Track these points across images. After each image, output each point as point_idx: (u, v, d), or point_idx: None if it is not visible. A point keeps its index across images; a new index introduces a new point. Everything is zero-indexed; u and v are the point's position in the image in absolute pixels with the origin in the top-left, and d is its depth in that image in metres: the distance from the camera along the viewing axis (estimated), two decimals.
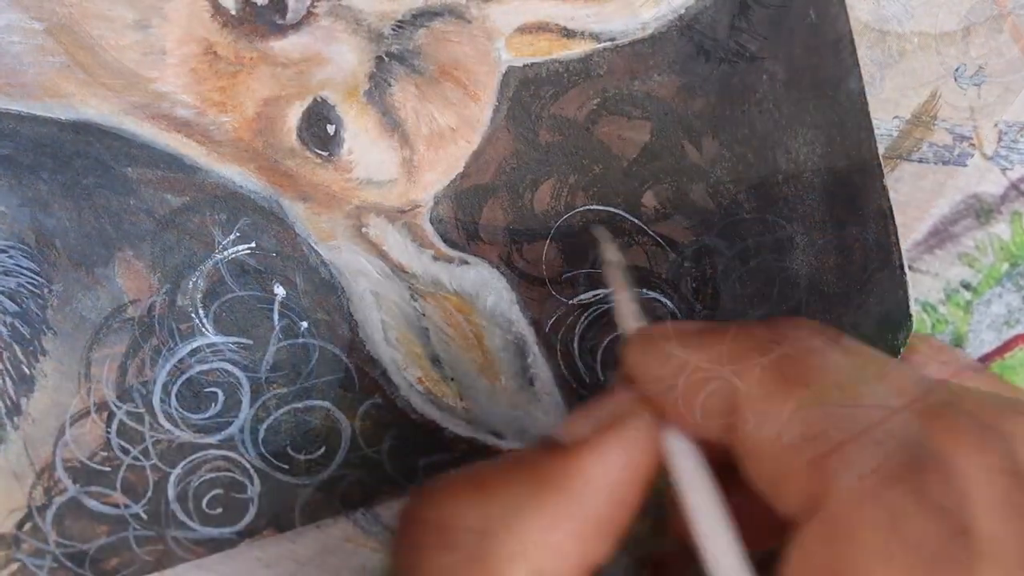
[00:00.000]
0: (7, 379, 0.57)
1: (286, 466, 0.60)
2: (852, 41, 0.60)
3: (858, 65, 0.60)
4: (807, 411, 0.39)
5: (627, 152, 0.60)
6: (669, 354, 0.44)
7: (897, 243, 0.61)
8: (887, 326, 0.62)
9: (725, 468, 0.43)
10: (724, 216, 0.61)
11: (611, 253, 0.57)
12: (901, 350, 0.62)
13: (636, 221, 0.60)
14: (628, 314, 0.50)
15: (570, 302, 0.60)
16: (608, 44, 0.59)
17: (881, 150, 0.61)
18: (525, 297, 0.60)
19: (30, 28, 0.55)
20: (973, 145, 0.64)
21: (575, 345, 0.61)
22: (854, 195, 0.61)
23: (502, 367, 0.60)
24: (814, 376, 0.41)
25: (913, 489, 0.37)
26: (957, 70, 0.63)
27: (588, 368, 0.61)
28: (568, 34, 0.58)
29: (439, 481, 0.44)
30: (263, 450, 0.59)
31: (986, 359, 0.66)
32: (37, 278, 0.57)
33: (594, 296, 0.61)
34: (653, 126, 0.60)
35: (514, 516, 0.42)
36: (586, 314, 0.61)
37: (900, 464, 0.37)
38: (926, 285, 0.65)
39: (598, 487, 0.42)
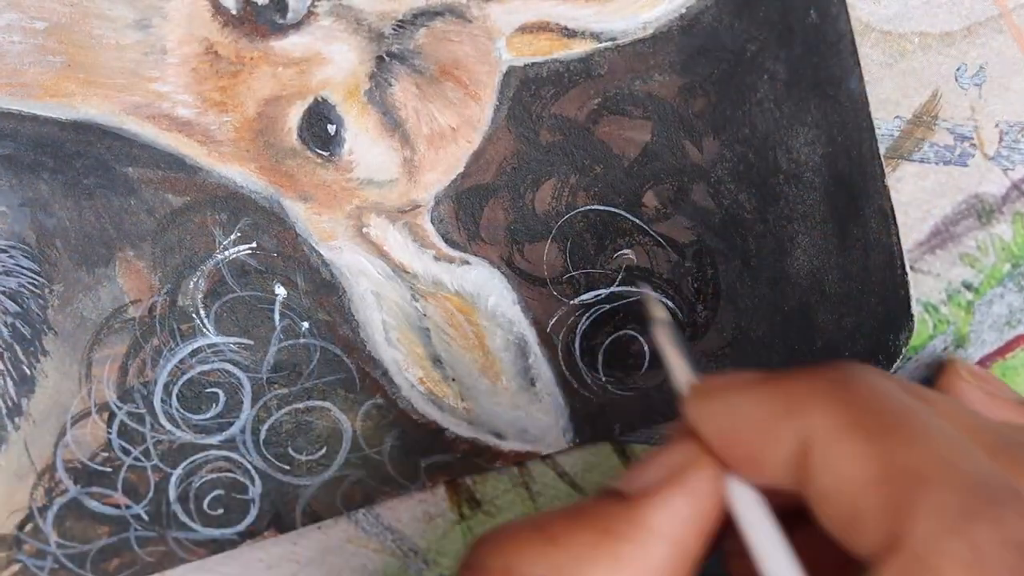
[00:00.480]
0: (8, 379, 0.57)
1: (287, 467, 0.59)
2: (853, 41, 0.60)
3: (859, 65, 0.60)
4: (881, 451, 0.39)
5: (628, 152, 0.60)
6: (732, 405, 0.44)
7: (898, 243, 0.61)
8: (888, 326, 0.62)
9: (792, 515, 0.43)
10: (725, 216, 0.61)
11: (658, 311, 0.56)
12: (903, 350, 0.63)
13: (637, 221, 0.60)
14: (681, 370, 0.50)
15: (571, 302, 0.60)
16: (609, 44, 0.59)
17: (882, 150, 0.61)
18: (526, 297, 0.60)
19: (31, 28, 0.55)
20: (974, 145, 0.64)
21: (576, 345, 0.61)
22: (855, 195, 0.61)
23: (503, 367, 0.60)
24: (886, 416, 0.41)
25: (994, 525, 0.37)
26: (958, 70, 0.63)
27: (589, 368, 0.61)
28: (569, 34, 0.59)
29: (501, 528, 0.44)
30: (264, 451, 0.59)
31: (987, 360, 0.66)
32: (38, 278, 0.57)
33: (595, 296, 0.61)
34: (654, 126, 0.60)
35: (581, 565, 0.42)
36: (587, 314, 0.61)
37: (976, 500, 0.37)
38: (928, 285, 0.65)
39: (663, 540, 0.42)
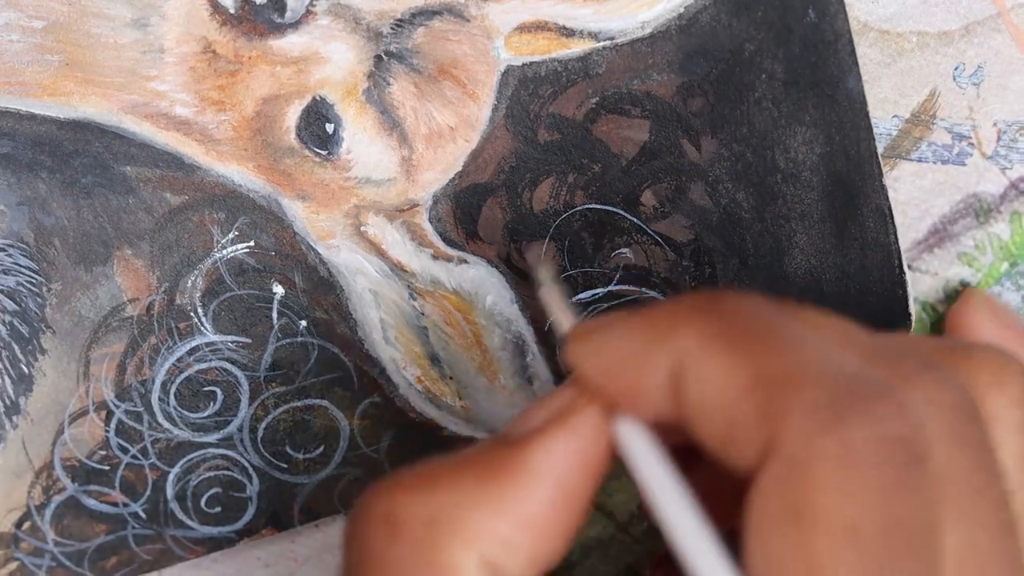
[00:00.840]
0: (6, 378, 0.57)
1: (285, 465, 0.60)
2: (851, 40, 0.60)
3: (857, 64, 0.60)
4: (749, 361, 0.39)
5: (626, 151, 0.60)
6: (607, 340, 0.44)
7: (896, 242, 0.61)
8: (886, 326, 0.62)
9: (687, 453, 0.44)
10: (723, 215, 0.61)
11: (543, 273, 0.57)
12: None
13: (635, 220, 0.60)
14: (563, 314, 0.50)
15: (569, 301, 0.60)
16: (607, 43, 0.59)
17: (880, 149, 0.61)
18: (524, 296, 0.60)
19: (29, 27, 0.55)
20: (972, 144, 0.64)
21: None
22: (853, 194, 0.61)
23: (501, 366, 0.60)
24: (754, 328, 0.41)
25: (865, 420, 0.37)
26: (956, 69, 0.63)
27: None
28: (567, 33, 0.59)
29: (389, 476, 0.44)
30: (262, 449, 0.59)
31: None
32: (36, 277, 0.57)
33: (593, 295, 0.61)
34: (652, 125, 0.60)
35: (462, 506, 0.42)
36: (585, 313, 0.61)
37: (848, 398, 0.37)
38: (925, 284, 0.65)
39: (546, 479, 0.42)
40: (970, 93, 0.63)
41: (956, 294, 0.64)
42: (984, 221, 0.64)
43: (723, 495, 0.42)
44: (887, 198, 0.61)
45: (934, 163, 0.63)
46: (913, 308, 0.63)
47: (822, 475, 0.36)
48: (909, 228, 0.64)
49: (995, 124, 0.64)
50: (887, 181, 0.61)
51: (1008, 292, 0.65)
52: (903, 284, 0.62)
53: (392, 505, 0.43)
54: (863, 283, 0.62)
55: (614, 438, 0.44)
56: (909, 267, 0.63)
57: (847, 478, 0.36)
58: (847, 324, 0.44)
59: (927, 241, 0.64)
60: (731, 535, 0.40)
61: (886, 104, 0.62)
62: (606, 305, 0.61)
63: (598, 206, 0.60)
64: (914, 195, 0.63)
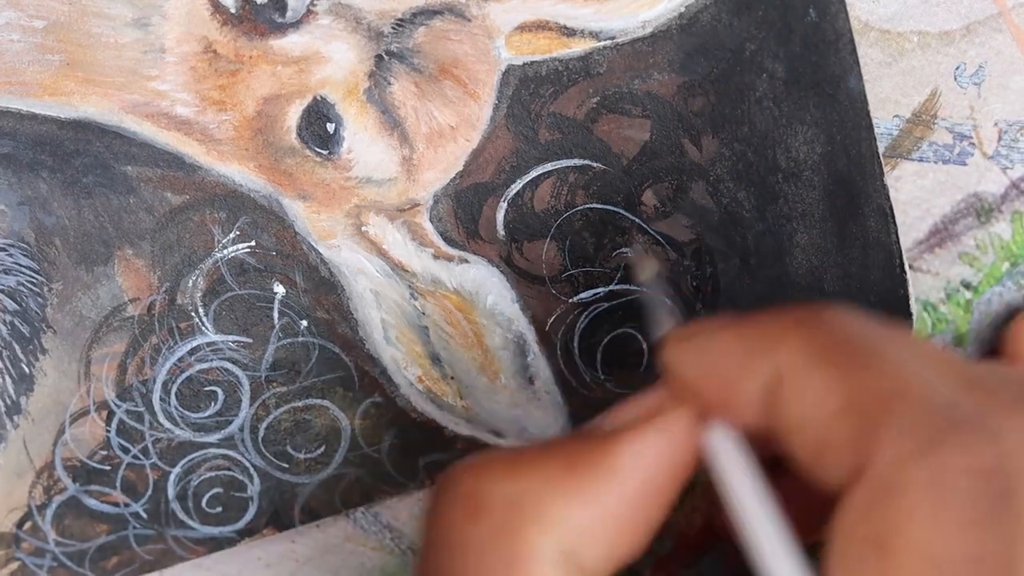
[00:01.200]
0: (7, 378, 0.57)
1: (286, 465, 0.60)
2: (852, 39, 0.60)
3: (858, 63, 0.60)
4: (848, 380, 0.39)
5: (627, 150, 0.60)
6: (707, 346, 0.44)
7: (897, 242, 0.61)
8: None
9: (774, 464, 0.44)
10: (724, 214, 0.61)
11: (643, 255, 0.57)
12: None
13: (636, 220, 0.60)
14: (663, 316, 0.50)
15: (570, 300, 0.61)
16: (608, 42, 0.59)
17: (881, 149, 0.61)
18: (525, 296, 0.60)
19: (30, 26, 0.55)
20: (973, 144, 0.64)
21: (575, 344, 0.61)
22: (854, 194, 0.61)
23: (502, 365, 0.60)
24: (855, 347, 0.41)
25: (956, 450, 0.37)
26: (957, 69, 0.63)
27: (588, 366, 0.61)
28: (568, 32, 0.59)
29: (479, 455, 0.45)
30: (263, 449, 0.59)
31: (986, 359, 0.66)
32: (37, 276, 0.57)
33: (593, 295, 0.61)
34: (653, 124, 0.60)
35: (546, 493, 0.42)
36: (586, 312, 0.61)
37: (942, 426, 0.37)
38: (926, 284, 0.65)
39: (632, 475, 0.42)
40: (971, 93, 0.63)
41: (1011, 315, 0.64)
42: (985, 221, 0.64)
43: (809, 510, 0.42)
44: (888, 198, 0.61)
45: (935, 163, 0.63)
46: (914, 308, 0.63)
47: (911, 503, 0.36)
48: (910, 228, 0.64)
49: (996, 124, 0.64)
50: (888, 181, 0.61)
51: (1009, 292, 0.65)
52: (904, 284, 0.62)
53: (477, 485, 0.43)
54: (864, 282, 0.62)
55: (702, 443, 0.44)
56: (910, 267, 0.63)
57: (936, 509, 0.36)
58: (943, 350, 0.44)
59: (928, 241, 0.64)
60: (812, 550, 0.40)
61: (887, 104, 0.62)
62: (607, 304, 0.61)
63: (599, 206, 0.60)
64: (915, 195, 0.63)
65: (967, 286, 0.65)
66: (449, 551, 0.43)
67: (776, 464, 0.43)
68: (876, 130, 0.61)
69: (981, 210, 0.64)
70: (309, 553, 0.61)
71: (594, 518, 0.42)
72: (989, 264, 0.64)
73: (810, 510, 0.42)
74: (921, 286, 0.64)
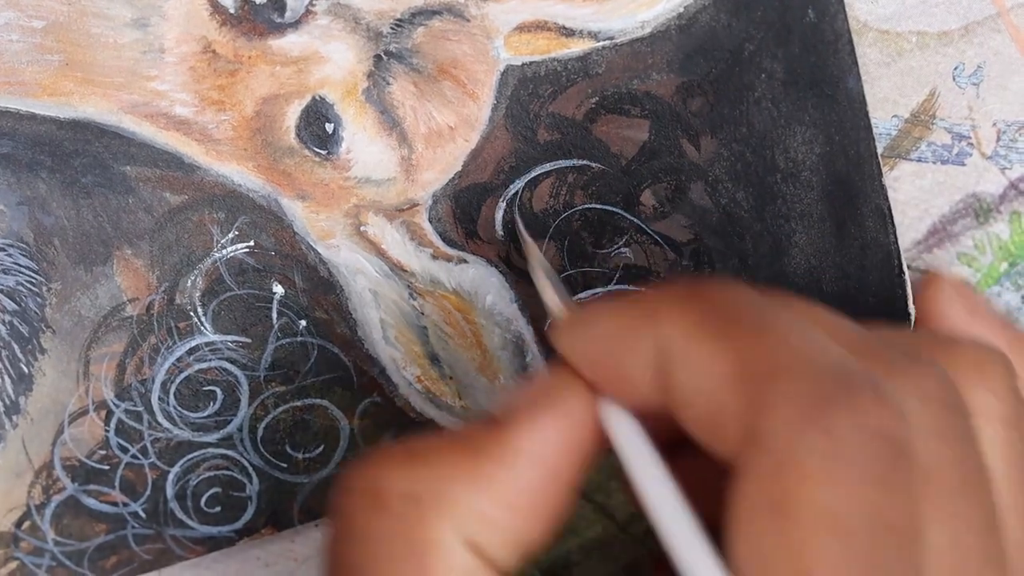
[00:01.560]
0: (6, 377, 0.57)
1: (285, 464, 0.60)
2: (851, 40, 0.60)
3: (857, 64, 0.60)
4: (734, 349, 0.40)
5: (626, 151, 0.60)
6: (592, 327, 0.44)
7: (896, 242, 0.61)
8: (885, 326, 0.62)
9: (672, 443, 0.44)
10: (723, 215, 0.61)
11: (530, 241, 0.57)
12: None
13: (635, 220, 0.60)
14: (555, 304, 0.51)
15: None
16: (607, 43, 0.59)
17: (880, 149, 0.61)
18: (523, 296, 0.60)
19: (29, 26, 0.55)
20: (972, 144, 0.64)
21: None
22: (853, 194, 0.61)
23: (501, 366, 0.60)
24: (739, 316, 0.41)
25: (850, 412, 0.37)
26: (956, 69, 0.63)
27: None
28: (567, 33, 0.59)
29: (374, 451, 0.45)
30: (262, 448, 0.59)
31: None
32: (36, 276, 0.57)
33: (592, 295, 0.61)
34: (651, 125, 0.60)
35: (444, 483, 0.42)
36: (576, 297, 0.61)
37: (833, 389, 0.38)
38: None
39: (530, 458, 0.42)
40: (970, 93, 0.63)
41: (922, 279, 0.64)
42: (984, 221, 0.64)
43: (711, 483, 0.42)
44: (887, 198, 0.61)
45: (934, 163, 0.63)
46: (912, 308, 0.63)
47: (806, 467, 0.36)
48: (909, 228, 0.64)
49: (995, 124, 0.64)
50: (887, 181, 0.61)
51: (1007, 292, 0.65)
52: (903, 284, 0.62)
53: (377, 479, 0.43)
54: (862, 283, 0.62)
55: (600, 422, 0.44)
56: (908, 267, 0.63)
57: (831, 471, 0.36)
58: (832, 314, 0.44)
59: (927, 241, 0.64)
60: (717, 525, 0.40)
61: (886, 104, 0.62)
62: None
63: (598, 206, 0.60)
64: (914, 195, 0.63)
65: (928, 273, 0.65)
66: (352, 545, 0.43)
67: (682, 441, 0.43)
68: (874, 130, 0.61)
69: (979, 210, 0.64)
70: (308, 552, 0.61)
71: (496, 505, 0.42)
72: (987, 264, 0.64)
73: (713, 484, 0.42)
74: (920, 287, 0.64)
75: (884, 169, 0.61)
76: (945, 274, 0.64)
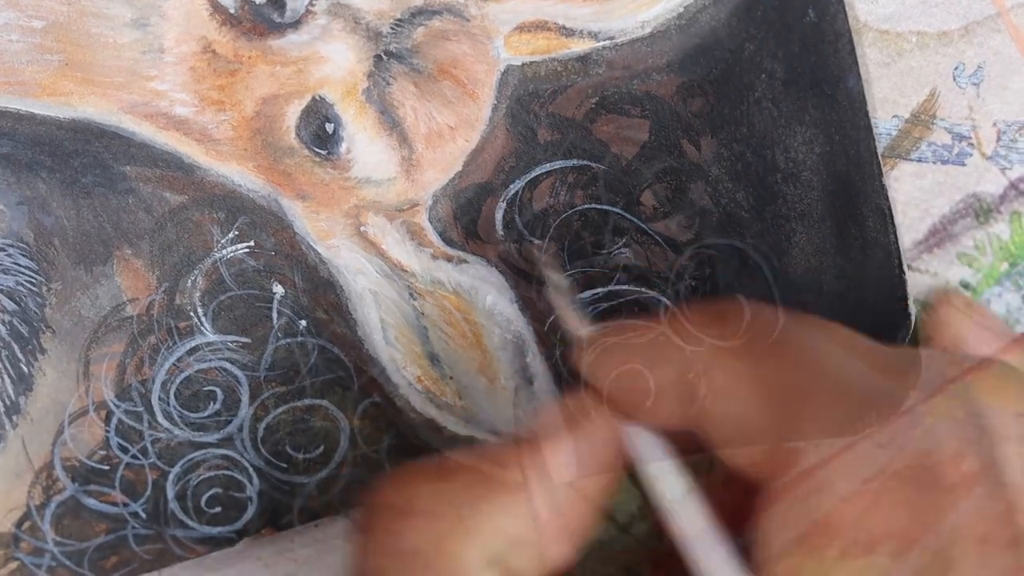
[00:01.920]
0: (6, 378, 0.57)
1: (285, 465, 0.60)
2: (851, 40, 0.60)
3: (857, 64, 0.60)
4: (762, 371, 0.40)
5: (626, 151, 0.60)
6: (618, 351, 0.45)
7: (896, 242, 0.61)
8: (886, 326, 0.62)
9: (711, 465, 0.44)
10: (723, 215, 0.61)
11: (551, 267, 0.57)
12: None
13: (635, 220, 0.60)
14: (576, 320, 0.51)
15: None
16: (607, 43, 0.59)
17: (880, 149, 0.61)
18: (524, 296, 0.60)
19: (28, 26, 0.55)
20: (972, 144, 0.64)
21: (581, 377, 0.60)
22: (853, 194, 0.61)
23: (501, 366, 0.60)
24: (764, 338, 0.41)
25: (876, 432, 0.37)
26: (956, 69, 0.63)
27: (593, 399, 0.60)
28: (567, 33, 0.59)
29: (403, 468, 0.45)
30: (262, 449, 0.59)
31: (987, 360, 0.65)
32: (36, 276, 0.57)
33: (593, 295, 0.61)
34: (652, 125, 0.60)
35: (471, 502, 0.42)
36: (590, 312, 0.61)
37: (866, 411, 0.38)
38: (925, 285, 0.64)
39: (556, 480, 0.43)
40: (970, 93, 0.63)
41: (935, 296, 0.65)
42: (984, 221, 0.64)
43: (740, 502, 0.43)
44: (887, 198, 0.61)
45: (934, 163, 0.63)
46: (913, 308, 0.63)
47: (840, 488, 0.37)
48: (909, 228, 0.64)
49: (995, 124, 0.64)
50: (887, 181, 0.61)
51: (1008, 292, 0.65)
52: (903, 284, 0.62)
53: (406, 496, 0.43)
54: (863, 283, 0.62)
55: (625, 444, 0.44)
56: (909, 267, 0.63)
57: (866, 490, 0.36)
58: (857, 335, 0.44)
59: (927, 241, 0.64)
60: (747, 545, 0.40)
61: (886, 104, 0.62)
62: (606, 305, 0.61)
63: (598, 206, 0.60)
64: (914, 195, 0.63)
65: (966, 287, 0.65)
66: (379, 560, 0.43)
67: (713, 465, 0.44)
68: (874, 130, 0.61)
69: (980, 210, 0.64)
70: (308, 553, 0.61)
71: (521, 525, 0.42)
72: (988, 265, 0.65)
73: (741, 503, 0.43)
74: (920, 287, 0.64)
75: (884, 169, 0.61)
76: (953, 291, 0.64)
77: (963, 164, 0.64)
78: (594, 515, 0.44)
